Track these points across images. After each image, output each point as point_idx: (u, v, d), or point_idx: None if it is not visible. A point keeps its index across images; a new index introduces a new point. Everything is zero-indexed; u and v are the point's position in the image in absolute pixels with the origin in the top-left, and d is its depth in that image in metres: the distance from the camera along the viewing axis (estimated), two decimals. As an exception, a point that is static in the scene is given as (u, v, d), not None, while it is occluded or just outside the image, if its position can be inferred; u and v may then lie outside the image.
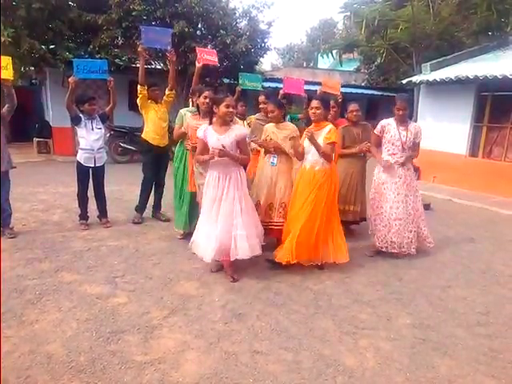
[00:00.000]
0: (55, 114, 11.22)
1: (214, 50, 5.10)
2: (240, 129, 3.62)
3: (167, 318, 2.98)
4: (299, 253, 3.76)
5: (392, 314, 3.22)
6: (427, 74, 9.24)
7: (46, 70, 10.69)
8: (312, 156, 3.84)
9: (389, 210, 4.26)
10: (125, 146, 10.59)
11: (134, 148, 10.57)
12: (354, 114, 4.73)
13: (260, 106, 4.76)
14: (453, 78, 8.29)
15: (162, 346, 2.65)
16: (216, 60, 4.90)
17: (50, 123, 11.52)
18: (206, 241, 3.53)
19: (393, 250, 4.30)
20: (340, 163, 4.76)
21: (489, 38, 10.99)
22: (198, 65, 4.67)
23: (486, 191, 8.06)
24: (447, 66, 9.40)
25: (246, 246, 3.53)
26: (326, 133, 3.78)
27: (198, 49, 4.93)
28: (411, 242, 4.31)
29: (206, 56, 4.87)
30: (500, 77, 7.43)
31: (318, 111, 3.78)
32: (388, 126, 4.30)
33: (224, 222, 3.50)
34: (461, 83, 8.36)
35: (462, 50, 10.32)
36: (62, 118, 11.36)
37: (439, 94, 9.26)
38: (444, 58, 9.62)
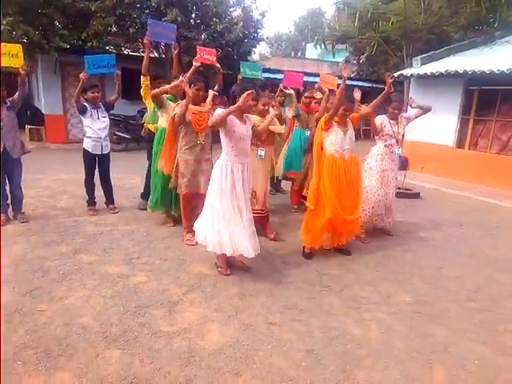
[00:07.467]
0: (47, 101, 11.16)
1: (214, 50, 5.11)
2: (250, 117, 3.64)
3: (186, 295, 3.21)
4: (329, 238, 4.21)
5: (391, 292, 3.51)
6: (417, 68, 9.53)
7: (38, 57, 10.59)
8: (349, 144, 4.06)
9: (390, 197, 4.72)
10: (120, 134, 10.60)
11: (128, 136, 10.63)
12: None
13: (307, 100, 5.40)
14: (442, 71, 8.60)
15: (186, 319, 2.88)
16: (214, 59, 4.91)
17: (42, 110, 11.42)
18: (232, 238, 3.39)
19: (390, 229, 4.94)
20: None
21: (476, 33, 11.33)
22: (195, 64, 4.47)
23: (471, 181, 8.45)
24: (437, 59, 9.70)
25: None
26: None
27: (198, 47, 4.91)
28: None
29: (206, 55, 4.94)
30: (487, 72, 7.76)
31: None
32: (384, 121, 4.75)
33: (250, 219, 3.52)
34: (450, 77, 8.68)
35: (451, 44, 10.64)
36: (53, 106, 11.34)
37: (428, 87, 9.56)
38: (433, 52, 9.92)
